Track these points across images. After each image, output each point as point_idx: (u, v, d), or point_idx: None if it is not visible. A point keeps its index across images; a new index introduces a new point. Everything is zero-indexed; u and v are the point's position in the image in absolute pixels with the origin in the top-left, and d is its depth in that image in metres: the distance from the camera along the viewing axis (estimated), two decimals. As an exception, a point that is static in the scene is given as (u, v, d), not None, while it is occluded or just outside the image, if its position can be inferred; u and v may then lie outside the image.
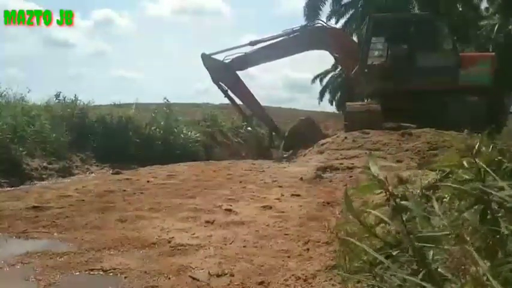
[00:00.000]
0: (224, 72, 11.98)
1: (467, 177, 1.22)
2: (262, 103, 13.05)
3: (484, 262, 0.93)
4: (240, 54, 12.03)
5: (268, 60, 12.75)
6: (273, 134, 12.89)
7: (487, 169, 1.12)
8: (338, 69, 25.20)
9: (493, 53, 12.13)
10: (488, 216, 1.12)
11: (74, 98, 10.96)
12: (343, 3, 21.30)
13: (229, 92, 12.31)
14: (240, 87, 12.25)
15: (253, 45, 12.01)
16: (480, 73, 10.75)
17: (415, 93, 10.61)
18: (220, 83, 12.19)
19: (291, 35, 12.06)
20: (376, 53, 12.14)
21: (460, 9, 18.91)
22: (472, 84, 10.56)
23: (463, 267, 0.94)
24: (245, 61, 12.15)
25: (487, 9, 19.27)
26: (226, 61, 11.96)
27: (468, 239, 1.08)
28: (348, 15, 21.23)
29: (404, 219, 1.19)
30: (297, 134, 11.97)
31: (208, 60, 12.04)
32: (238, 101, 12.91)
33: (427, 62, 10.88)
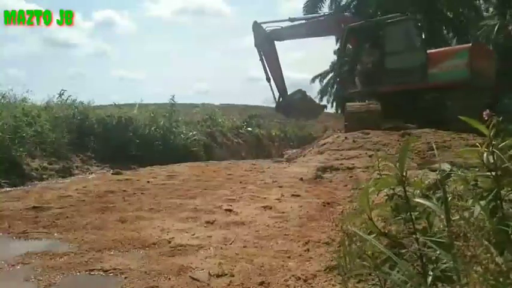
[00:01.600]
0: (263, 40, 13.53)
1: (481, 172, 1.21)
2: (264, 104, 14.12)
3: (498, 256, 0.93)
4: (277, 28, 13.61)
5: (297, 37, 14.16)
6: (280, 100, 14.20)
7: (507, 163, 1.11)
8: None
9: (470, 44, 11.22)
10: (499, 214, 1.12)
11: (74, 99, 10.99)
12: (342, 4, 21.30)
13: (263, 59, 13.74)
14: (271, 56, 13.70)
15: (291, 21, 13.60)
16: (454, 68, 10.24)
17: (388, 95, 10.89)
18: (259, 49, 13.66)
19: (319, 19, 13.87)
20: (352, 59, 13.24)
21: (461, 10, 18.89)
22: (445, 81, 10.23)
23: (471, 264, 0.94)
24: (280, 34, 13.61)
25: (487, 9, 19.28)
26: (268, 31, 13.58)
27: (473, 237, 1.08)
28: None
29: (410, 218, 1.18)
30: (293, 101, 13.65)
31: (256, 26, 13.71)
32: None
33: (395, 64, 11.14)
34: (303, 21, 13.88)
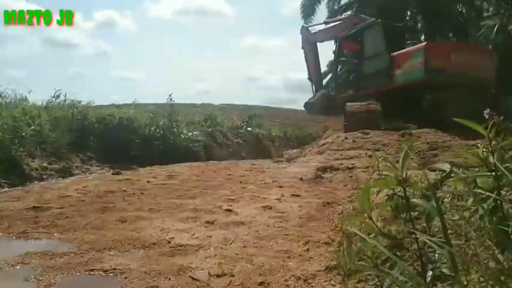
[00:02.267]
0: (306, 41, 14.64)
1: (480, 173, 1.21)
2: (264, 104, 14.57)
3: (497, 256, 0.93)
4: (315, 30, 14.80)
5: (329, 39, 15.01)
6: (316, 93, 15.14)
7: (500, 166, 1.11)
8: (338, 70, 25.19)
9: (425, 43, 11.38)
10: (498, 214, 1.12)
11: (74, 99, 10.99)
12: (342, 3, 21.25)
13: (307, 59, 14.84)
14: (311, 56, 14.76)
15: (326, 24, 15.10)
16: (412, 68, 10.48)
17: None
18: (304, 50, 14.77)
19: (340, 21, 14.69)
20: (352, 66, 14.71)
21: (461, 9, 18.85)
22: (406, 81, 10.57)
23: (471, 264, 0.94)
24: (317, 37, 14.63)
25: (488, 9, 19.23)
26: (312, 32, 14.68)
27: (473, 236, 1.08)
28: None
29: (409, 217, 1.19)
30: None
31: (303, 30, 14.87)
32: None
33: (368, 68, 12.13)
34: (336, 23, 14.81)
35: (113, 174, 7.45)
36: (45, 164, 7.58)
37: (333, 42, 16.01)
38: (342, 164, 7.02)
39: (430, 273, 1.07)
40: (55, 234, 3.14)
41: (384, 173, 1.75)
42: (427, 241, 1.01)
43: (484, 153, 1.18)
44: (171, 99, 12.97)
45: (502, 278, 0.88)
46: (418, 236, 1.11)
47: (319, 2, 20.96)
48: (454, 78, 9.97)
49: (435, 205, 0.92)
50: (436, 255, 1.10)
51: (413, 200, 1.15)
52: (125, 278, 2.22)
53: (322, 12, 22.62)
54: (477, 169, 1.29)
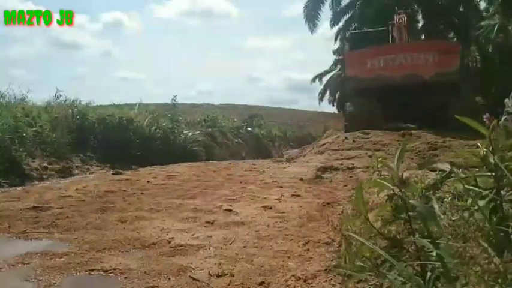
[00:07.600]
0: None
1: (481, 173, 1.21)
2: (264, 104, 14.31)
3: (495, 257, 0.93)
4: None
5: None
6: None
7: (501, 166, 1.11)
8: (337, 69, 25.29)
9: None
10: (499, 214, 1.12)
11: (75, 99, 11.03)
12: (343, 4, 21.22)
13: None
14: None
15: None
16: None
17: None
18: None
19: None
20: None
21: (461, 9, 18.85)
22: None
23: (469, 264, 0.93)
24: None
25: (487, 9, 19.21)
26: None
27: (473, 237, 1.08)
28: (347, 15, 21.15)
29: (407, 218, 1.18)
30: None
31: None
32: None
33: None
34: None
35: (112, 174, 7.45)
36: (45, 164, 7.58)
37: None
38: (342, 164, 7.02)
39: (430, 274, 1.07)
40: (55, 234, 3.14)
41: (382, 173, 1.75)
42: (425, 243, 1.01)
43: (485, 153, 1.17)
44: (175, 100, 13.19)
45: (499, 280, 0.88)
46: (417, 236, 1.11)
47: (323, 4, 20.97)
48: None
49: (434, 206, 0.92)
50: (434, 255, 1.10)
51: (411, 201, 1.14)
52: (125, 278, 2.22)
53: (325, 14, 22.56)
54: (477, 169, 1.29)
